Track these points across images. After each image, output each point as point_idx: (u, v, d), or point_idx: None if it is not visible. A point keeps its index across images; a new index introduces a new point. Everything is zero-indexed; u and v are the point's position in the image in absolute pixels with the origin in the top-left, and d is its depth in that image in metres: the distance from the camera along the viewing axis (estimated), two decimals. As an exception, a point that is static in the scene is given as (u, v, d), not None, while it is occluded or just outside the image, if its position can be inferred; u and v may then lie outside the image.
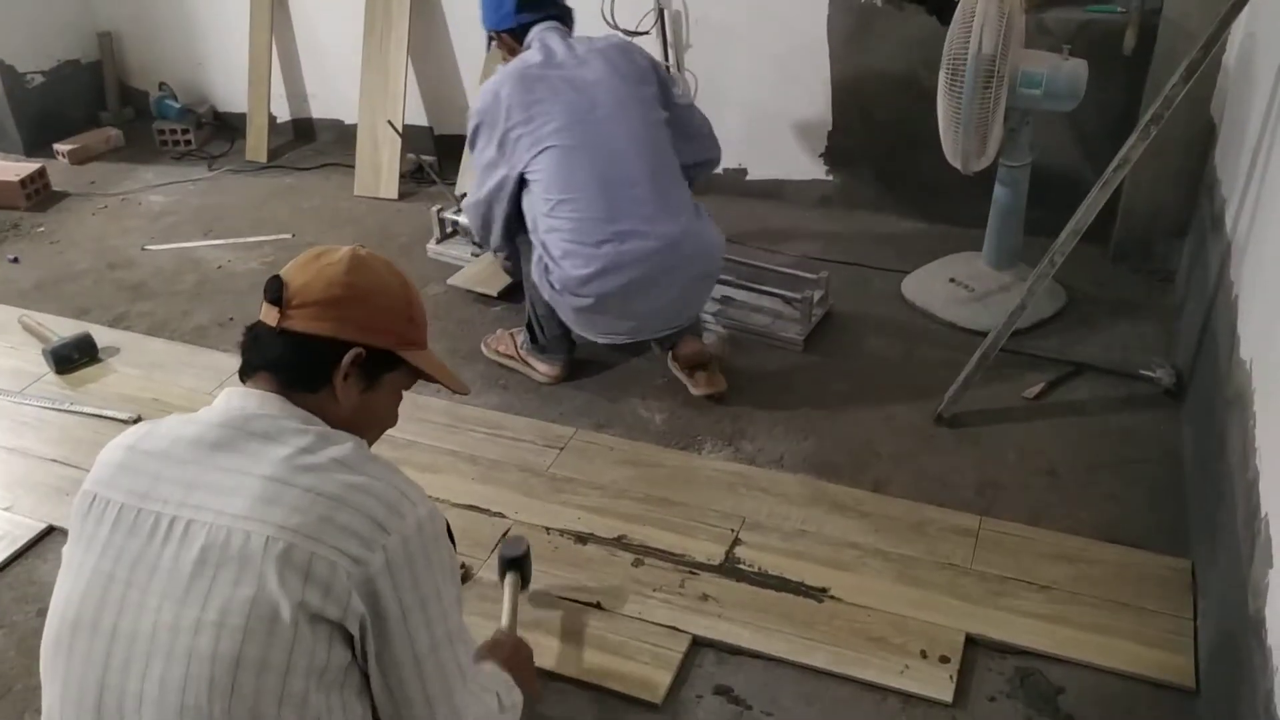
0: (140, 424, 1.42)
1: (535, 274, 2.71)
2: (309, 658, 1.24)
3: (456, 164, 3.96)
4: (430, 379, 1.52)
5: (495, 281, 3.30)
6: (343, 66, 4.19)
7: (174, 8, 4.52)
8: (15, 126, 4.44)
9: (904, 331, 3.10)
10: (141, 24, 4.65)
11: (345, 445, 1.34)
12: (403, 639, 1.30)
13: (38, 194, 4.08)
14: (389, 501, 1.29)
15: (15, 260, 3.64)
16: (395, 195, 4.04)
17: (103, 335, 3.09)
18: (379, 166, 4.07)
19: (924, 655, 1.99)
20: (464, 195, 3.59)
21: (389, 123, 3.92)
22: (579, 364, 2.95)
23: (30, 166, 4.12)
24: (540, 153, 2.58)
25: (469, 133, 2.77)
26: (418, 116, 4.25)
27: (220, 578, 1.23)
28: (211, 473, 1.29)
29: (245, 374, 1.41)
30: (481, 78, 3.92)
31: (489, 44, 3.07)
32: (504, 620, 1.95)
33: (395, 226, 3.83)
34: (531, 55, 2.68)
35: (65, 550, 1.36)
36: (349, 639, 1.28)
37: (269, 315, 1.38)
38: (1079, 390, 2.79)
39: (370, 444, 1.47)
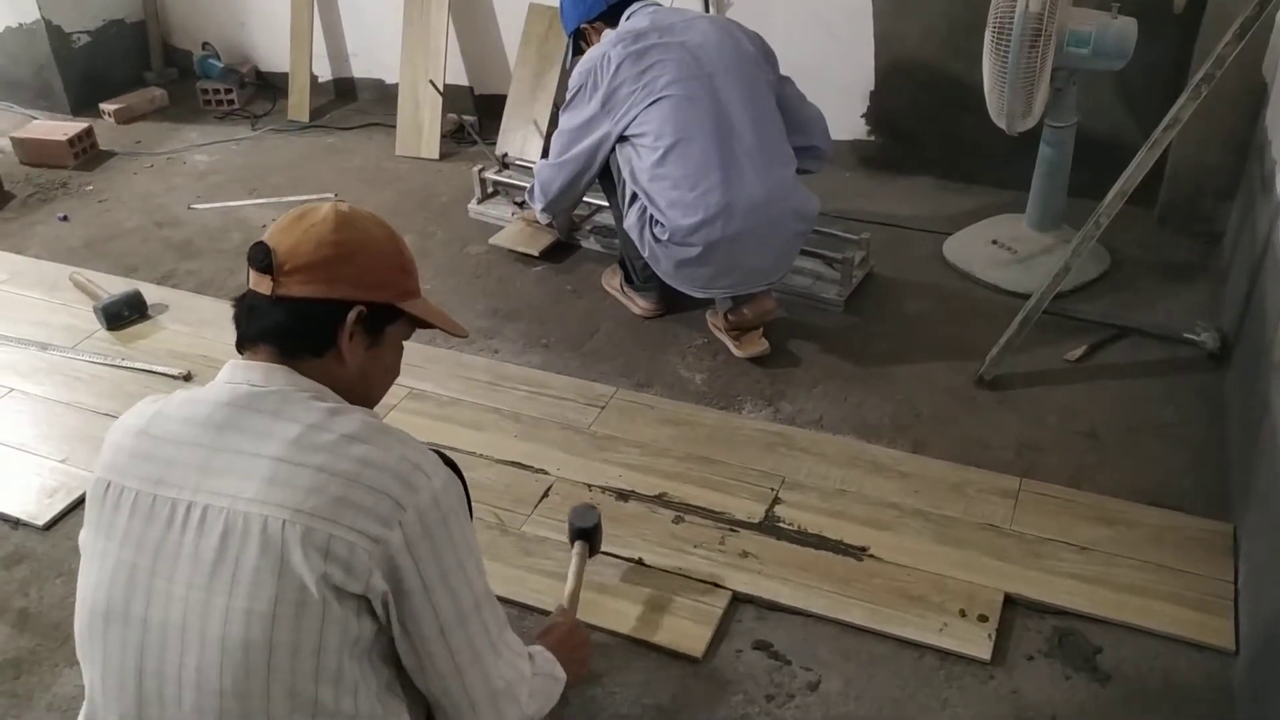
0: (145, 403, 1.38)
1: (634, 227, 2.76)
2: (340, 632, 1.24)
3: (497, 124, 3.96)
4: (429, 325, 1.49)
5: (536, 241, 3.32)
6: (384, 26, 4.19)
7: (216, -33, 4.55)
8: (62, 86, 4.47)
9: (945, 293, 3.09)
10: (184, -17, 4.68)
11: (354, 418, 1.32)
12: (427, 612, 1.30)
13: (85, 153, 4.13)
14: (402, 475, 1.27)
15: (65, 219, 3.70)
16: (436, 155, 4.05)
17: (151, 292, 3.14)
18: (420, 126, 4.09)
19: (963, 614, 2.01)
20: (505, 155, 3.63)
21: (430, 82, 3.94)
22: (618, 322, 2.98)
23: (78, 126, 4.17)
24: (652, 103, 2.64)
25: (569, 95, 2.81)
26: (458, 76, 4.25)
27: (243, 564, 1.22)
28: (222, 455, 1.27)
29: (243, 346, 1.38)
30: (524, 38, 3.92)
31: (568, 54, 3.06)
32: (565, 595, 1.92)
33: (437, 186, 3.85)
34: (637, 21, 2.76)
35: (83, 537, 1.35)
36: (373, 610, 1.29)
37: (261, 284, 1.34)
38: (1122, 353, 2.78)
39: (380, 398, 1.47)
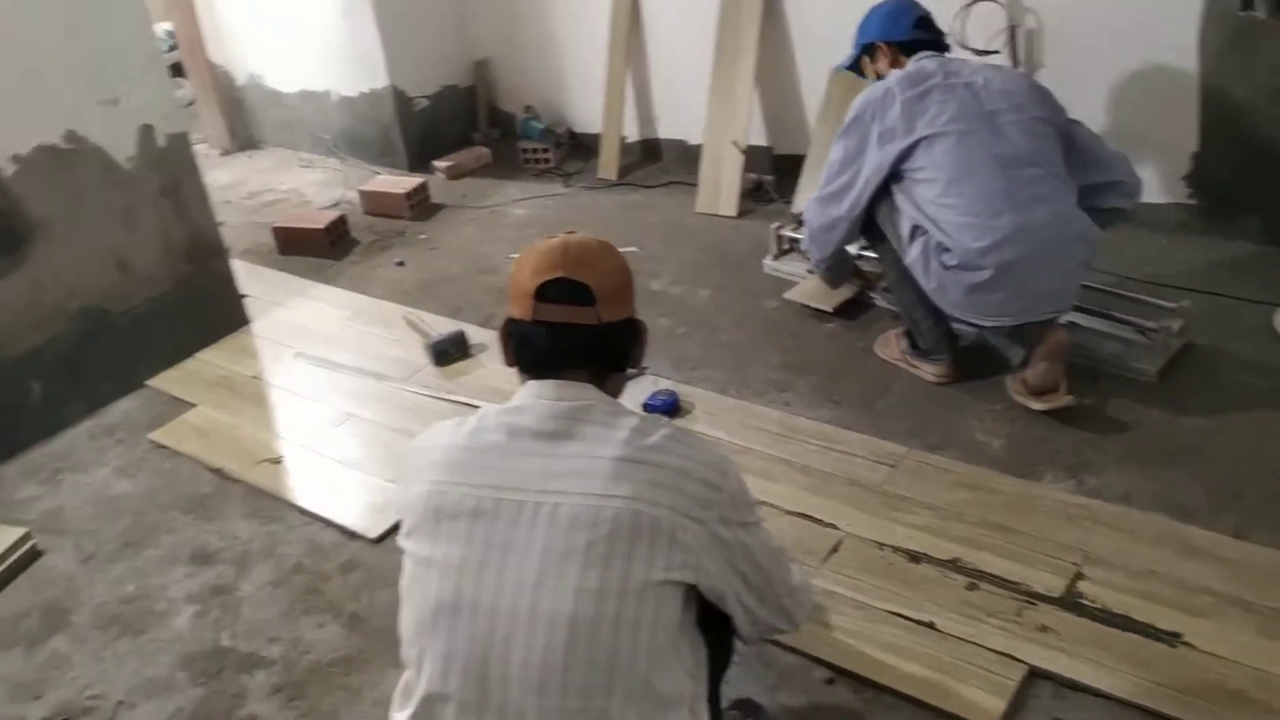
0: (454, 424, 1.54)
1: (918, 261, 2.77)
2: (668, 613, 1.40)
3: (793, 183, 4.05)
4: None
5: (831, 297, 3.35)
6: (690, 90, 4.39)
7: (541, 36, 4.91)
8: (403, 145, 4.98)
9: (1274, 368, 2.86)
10: (512, 51, 5.08)
11: (662, 424, 1.48)
12: (753, 563, 1.51)
13: (419, 205, 4.56)
14: (716, 467, 1.46)
15: (401, 264, 4.10)
16: (734, 213, 4.18)
17: (474, 333, 3.41)
18: (719, 185, 4.23)
19: (1290, 716, 1.86)
20: (800, 213, 3.69)
21: (734, 143, 4.07)
22: (911, 382, 2.96)
23: (414, 181, 4.61)
24: (934, 137, 2.70)
25: (846, 121, 2.89)
26: (759, 137, 4.37)
27: (593, 550, 1.37)
28: (562, 460, 1.43)
29: (554, 371, 1.51)
30: (825, 100, 3.99)
31: (852, 61, 3.11)
32: None
33: (732, 242, 3.97)
34: (925, 64, 2.83)
35: (412, 546, 1.48)
36: (693, 595, 1.46)
37: (580, 315, 1.49)
38: None
39: None
